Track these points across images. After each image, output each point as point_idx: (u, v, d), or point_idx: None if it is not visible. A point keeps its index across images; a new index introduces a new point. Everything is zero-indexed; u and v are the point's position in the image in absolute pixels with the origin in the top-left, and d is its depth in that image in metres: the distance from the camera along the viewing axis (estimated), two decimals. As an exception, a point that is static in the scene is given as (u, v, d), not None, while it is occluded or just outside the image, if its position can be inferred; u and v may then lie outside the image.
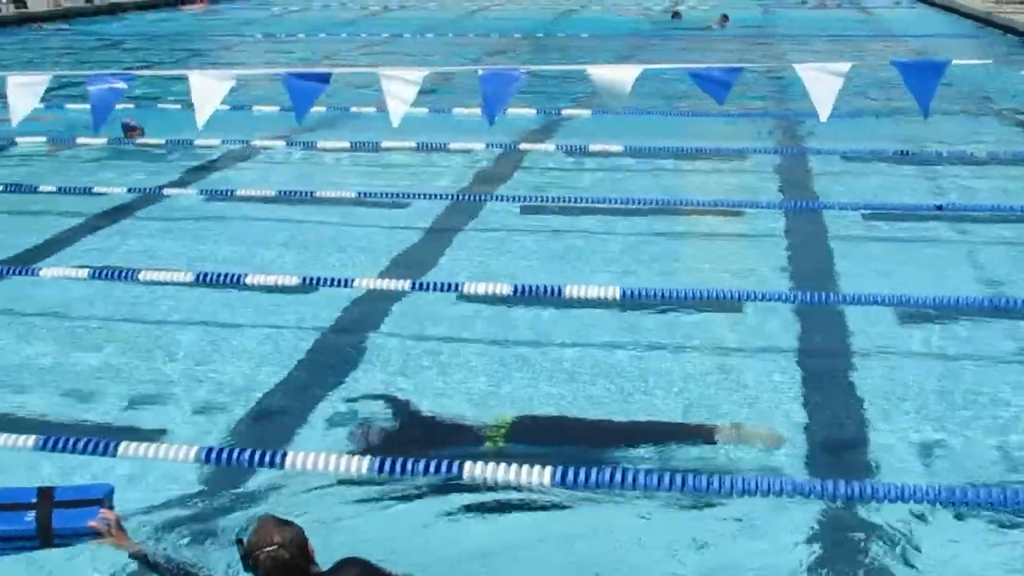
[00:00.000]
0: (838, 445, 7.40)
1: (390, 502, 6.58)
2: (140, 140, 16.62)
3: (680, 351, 8.83)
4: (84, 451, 6.94)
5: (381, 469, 6.67)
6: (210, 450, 6.97)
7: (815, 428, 7.54)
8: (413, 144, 15.37)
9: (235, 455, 6.91)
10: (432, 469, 6.63)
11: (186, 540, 6.12)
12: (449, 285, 9.91)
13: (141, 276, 10.23)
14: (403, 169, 15.07)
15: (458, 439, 7.31)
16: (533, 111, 18.09)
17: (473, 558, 6.09)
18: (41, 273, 10.48)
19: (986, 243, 11.45)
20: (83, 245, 11.80)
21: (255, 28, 35.60)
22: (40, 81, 8.42)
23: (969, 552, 6.06)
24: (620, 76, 7.82)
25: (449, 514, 6.45)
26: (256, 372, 8.57)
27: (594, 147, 15.41)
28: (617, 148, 15.26)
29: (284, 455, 6.87)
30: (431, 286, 10.00)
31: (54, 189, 13.74)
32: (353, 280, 10.06)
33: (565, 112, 18.51)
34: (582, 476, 6.52)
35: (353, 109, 18.52)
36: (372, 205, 13.07)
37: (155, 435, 7.41)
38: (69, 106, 17.57)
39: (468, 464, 6.62)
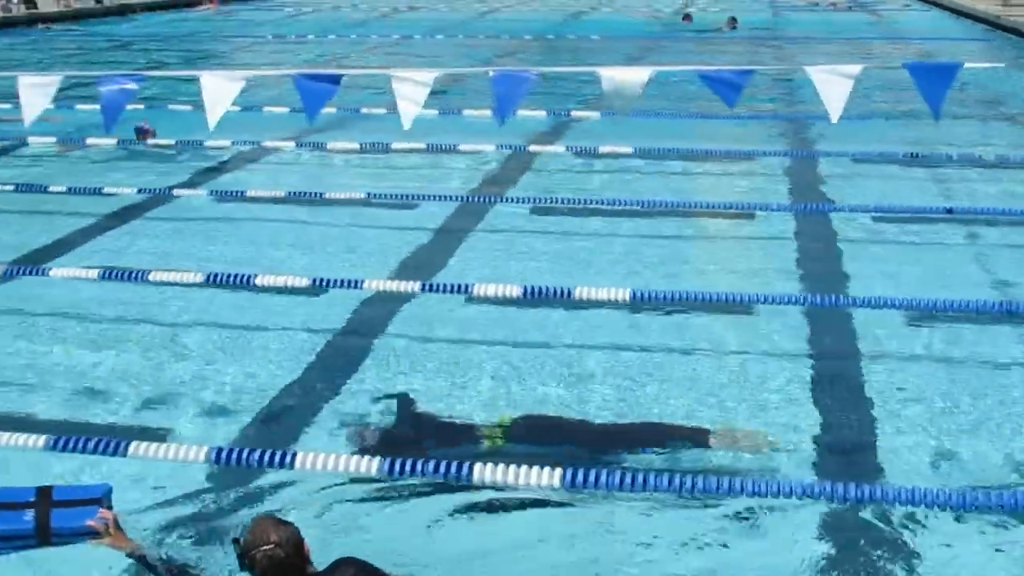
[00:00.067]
0: (844, 447, 7.38)
1: (390, 502, 6.60)
2: (151, 141, 16.66)
3: (689, 353, 8.83)
4: (94, 451, 6.97)
5: (391, 470, 6.68)
6: (220, 450, 6.99)
7: (822, 430, 7.53)
8: (423, 145, 15.39)
9: (245, 455, 6.93)
10: (443, 470, 6.65)
11: (185, 541, 6.14)
12: (458, 287, 9.91)
13: (151, 276, 10.25)
14: (413, 170, 15.08)
15: (465, 439, 7.32)
16: (543, 113, 18.10)
17: (474, 558, 6.11)
18: (51, 273, 10.52)
19: (996, 246, 11.42)
20: (93, 245, 11.83)
21: (265, 29, 35.64)
22: (51, 81, 8.44)
23: (972, 555, 6.06)
24: (630, 78, 7.82)
25: (451, 514, 6.47)
26: (265, 373, 8.58)
27: (604, 148, 15.42)
28: (627, 150, 15.27)
29: (294, 455, 6.88)
30: (440, 287, 10.00)
31: (64, 189, 13.79)
32: (363, 281, 10.07)
33: (575, 114, 18.52)
34: (581, 477, 6.55)
35: (363, 110, 18.55)
36: (382, 206, 13.08)
37: (164, 435, 7.44)
38: (79, 106, 17.60)
39: (478, 465, 6.64)
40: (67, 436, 7.13)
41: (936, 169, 14.65)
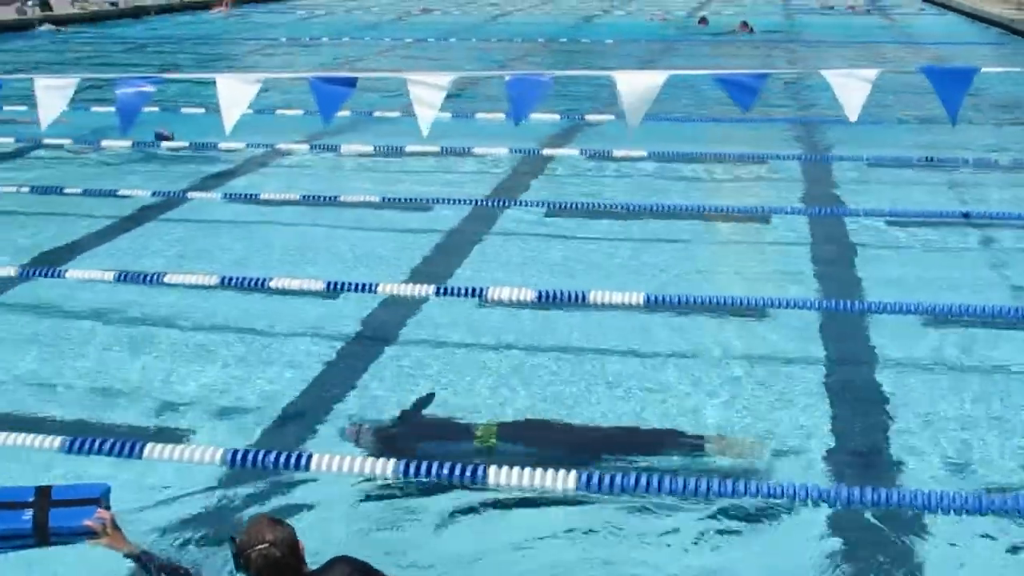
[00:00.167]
0: (857, 452, 7.36)
1: (390, 502, 6.62)
2: (165, 144, 16.70)
3: (703, 357, 8.82)
4: (110, 453, 6.98)
5: (406, 472, 6.69)
6: (235, 452, 6.99)
7: (833, 434, 7.52)
8: (437, 148, 15.39)
9: (260, 457, 6.93)
10: (457, 473, 6.65)
11: (183, 542, 6.16)
12: (472, 290, 9.91)
13: (166, 279, 10.27)
14: (426, 173, 15.09)
15: (468, 441, 7.33)
16: (556, 116, 18.10)
17: (475, 558, 6.13)
18: (66, 275, 10.55)
19: (1012, 251, 11.38)
20: (108, 247, 11.86)
21: (279, 32, 35.71)
22: (68, 84, 8.44)
23: (977, 557, 6.08)
24: (645, 82, 7.78)
25: (451, 515, 6.49)
26: (278, 375, 8.59)
27: (618, 152, 15.40)
28: (641, 153, 15.24)
29: (310, 457, 6.88)
30: (454, 291, 9.99)
31: (79, 191, 13.83)
32: (377, 285, 10.07)
33: (589, 117, 18.51)
34: (596, 480, 6.56)
35: (376, 113, 18.57)
36: (395, 209, 13.09)
37: (178, 437, 7.45)
38: (94, 108, 17.66)
39: (492, 469, 6.64)
40: (83, 437, 7.15)
41: (951, 173, 14.61)
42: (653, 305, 9.53)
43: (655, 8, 42.60)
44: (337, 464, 6.81)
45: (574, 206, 13.10)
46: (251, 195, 13.70)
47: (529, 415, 7.75)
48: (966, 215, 12.29)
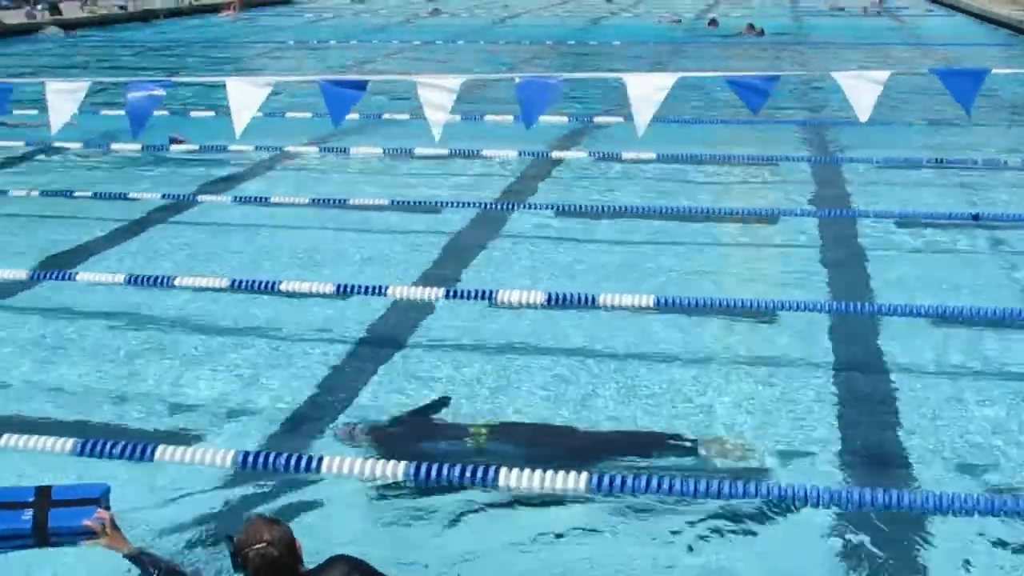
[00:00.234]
0: (866, 453, 7.35)
1: (390, 501, 6.62)
2: (175, 147, 16.73)
3: (714, 360, 8.81)
4: (121, 455, 6.99)
5: (417, 475, 6.69)
6: (246, 454, 7.00)
7: (842, 435, 7.51)
8: (446, 151, 15.39)
9: (270, 459, 6.94)
10: (468, 476, 6.64)
11: (182, 543, 6.16)
12: (482, 293, 9.91)
13: (176, 281, 10.29)
14: (435, 176, 15.09)
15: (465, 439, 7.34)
16: (565, 118, 18.10)
17: (475, 558, 6.12)
18: (77, 278, 10.58)
19: (1021, 253, 11.35)
20: (118, 250, 11.88)
21: (287, 35, 35.77)
22: (79, 87, 8.46)
23: (980, 559, 6.06)
24: (654, 84, 7.78)
25: (452, 514, 6.49)
26: (288, 377, 8.60)
27: (627, 154, 15.39)
28: (650, 155, 15.23)
29: (320, 460, 6.88)
30: (464, 293, 10.00)
31: (89, 195, 13.86)
32: (386, 288, 10.08)
33: (597, 119, 18.51)
34: (607, 482, 6.55)
35: (385, 116, 18.59)
36: (405, 211, 13.09)
37: (188, 439, 7.46)
38: (104, 112, 17.70)
39: (503, 471, 6.64)
40: (93, 439, 7.15)
41: (961, 175, 14.58)
42: (663, 307, 9.52)
43: (663, 10, 42.59)
44: (348, 466, 6.81)
45: (583, 208, 13.10)
46: (261, 198, 13.72)
47: (534, 418, 7.75)
48: (976, 217, 12.27)
